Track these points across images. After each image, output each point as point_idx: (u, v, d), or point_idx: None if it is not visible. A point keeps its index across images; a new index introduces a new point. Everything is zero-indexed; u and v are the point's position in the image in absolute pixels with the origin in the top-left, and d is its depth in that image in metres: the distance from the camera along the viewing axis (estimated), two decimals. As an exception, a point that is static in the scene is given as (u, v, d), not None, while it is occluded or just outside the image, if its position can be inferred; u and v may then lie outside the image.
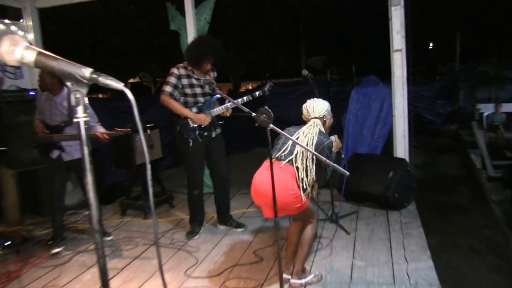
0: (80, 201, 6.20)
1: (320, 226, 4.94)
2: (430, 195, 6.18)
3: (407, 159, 5.73)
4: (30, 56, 1.34)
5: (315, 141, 3.45)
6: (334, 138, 3.76)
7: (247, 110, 3.07)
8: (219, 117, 4.81)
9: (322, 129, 3.60)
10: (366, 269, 3.93)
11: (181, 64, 4.75)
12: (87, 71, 1.32)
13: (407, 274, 3.77)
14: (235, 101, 3.98)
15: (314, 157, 3.40)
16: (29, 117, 5.69)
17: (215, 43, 4.67)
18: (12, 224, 5.78)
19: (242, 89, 18.70)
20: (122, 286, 3.96)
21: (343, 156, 4.35)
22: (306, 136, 3.49)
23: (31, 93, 6.01)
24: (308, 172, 3.41)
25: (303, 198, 3.42)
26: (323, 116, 3.66)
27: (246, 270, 4.07)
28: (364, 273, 3.85)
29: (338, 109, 6.57)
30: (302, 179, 3.40)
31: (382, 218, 5.15)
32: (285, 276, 3.68)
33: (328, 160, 3.03)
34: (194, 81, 4.69)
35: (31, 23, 7.03)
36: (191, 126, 4.68)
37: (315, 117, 3.63)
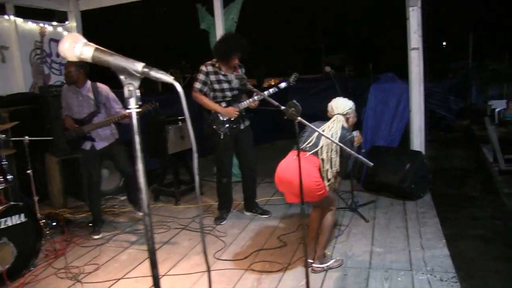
0: (117, 187, 6.28)
1: (340, 215, 4.90)
2: (443, 187, 6.08)
3: (423, 152, 5.65)
4: (88, 51, 1.35)
5: (339, 135, 3.44)
6: (356, 133, 3.73)
7: (276, 103, 3.05)
8: (247, 109, 4.79)
9: (345, 125, 3.59)
10: (384, 255, 3.90)
11: (209, 62, 4.75)
12: (139, 65, 1.33)
13: (424, 261, 3.72)
14: (263, 93, 3.95)
15: (338, 149, 3.38)
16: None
17: (241, 39, 4.66)
18: (57, 207, 5.90)
19: (265, 84, 18.66)
20: (157, 267, 3.99)
21: (363, 150, 4.30)
22: (331, 130, 3.49)
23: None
24: (332, 163, 3.40)
25: (326, 188, 3.41)
26: (346, 113, 3.66)
27: (270, 254, 4.06)
28: (382, 259, 3.82)
29: (355, 104, 6.50)
30: (327, 170, 3.38)
31: (399, 207, 5.08)
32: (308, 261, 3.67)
33: (352, 152, 3.01)
34: (222, 77, 4.68)
35: (74, 24, 7.15)
36: (221, 119, 4.69)
37: (338, 113, 3.61)
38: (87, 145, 4.77)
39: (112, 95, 4.76)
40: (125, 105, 1.32)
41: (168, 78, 1.31)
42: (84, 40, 1.36)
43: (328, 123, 3.58)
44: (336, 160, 3.42)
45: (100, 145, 4.79)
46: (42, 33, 6.83)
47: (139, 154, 1.31)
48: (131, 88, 1.30)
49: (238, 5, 6.21)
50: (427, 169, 5.44)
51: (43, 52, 6.83)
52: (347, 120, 3.67)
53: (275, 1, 14.54)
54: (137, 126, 1.32)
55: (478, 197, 5.73)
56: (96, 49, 1.35)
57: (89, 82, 4.71)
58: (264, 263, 3.90)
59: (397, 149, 5.93)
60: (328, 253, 3.88)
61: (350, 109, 3.69)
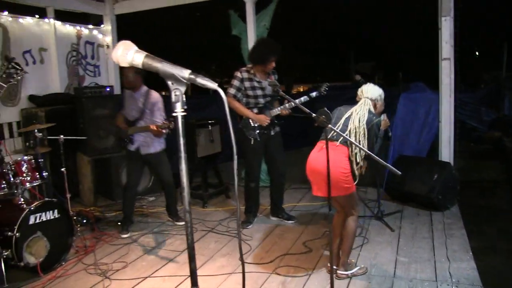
0: (145, 188, 6.43)
1: (366, 223, 4.92)
2: (472, 199, 6.00)
3: (452, 162, 5.61)
4: (139, 58, 1.44)
5: (366, 118, 3.51)
6: (383, 116, 3.76)
7: (307, 110, 3.12)
8: (278, 116, 4.86)
9: (372, 109, 3.64)
10: (409, 265, 3.90)
11: (244, 68, 4.84)
12: (186, 72, 1.41)
13: (449, 272, 3.71)
14: (294, 101, 4.02)
15: (366, 132, 3.45)
16: (104, 111, 5.97)
17: (276, 43, 4.75)
18: (87, 205, 6.09)
19: (294, 91, 18.71)
20: (183, 266, 4.10)
21: (390, 133, 4.26)
22: (358, 113, 3.55)
23: (107, 89, 6.26)
24: (364, 136, 3.48)
25: (353, 183, 3.48)
26: (375, 99, 3.70)
27: (295, 259, 4.11)
28: (407, 269, 3.82)
29: (385, 112, 6.48)
30: (356, 154, 3.46)
31: (426, 218, 5.06)
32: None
33: (381, 160, 3.04)
34: (256, 84, 4.76)
35: (109, 27, 7.38)
36: (252, 125, 4.77)
37: (367, 97, 3.67)
38: (132, 147, 4.93)
39: (160, 105, 4.86)
40: (172, 109, 1.41)
41: (212, 84, 1.39)
42: (136, 48, 1.46)
43: (356, 107, 3.64)
44: (364, 142, 3.48)
45: (145, 150, 4.94)
46: (79, 36, 7.08)
47: (183, 154, 1.40)
48: (178, 93, 1.39)
49: (270, 12, 6.32)
50: (455, 180, 5.39)
51: (78, 54, 7.07)
52: (374, 106, 3.71)
53: (306, 9, 14.60)
54: (182, 129, 1.40)
55: (508, 210, 5.64)
56: (147, 55, 1.44)
57: (144, 88, 4.88)
58: (289, 267, 3.96)
59: (425, 159, 5.90)
60: (353, 260, 3.91)
61: (379, 95, 3.73)
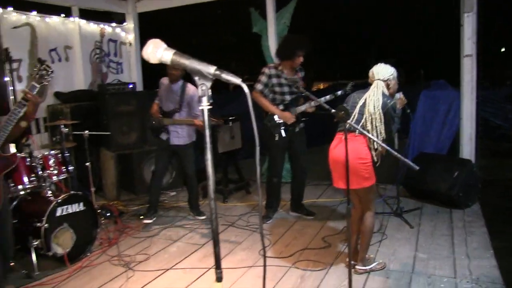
0: (167, 183, 6.56)
1: (385, 219, 4.96)
2: (494, 198, 5.96)
3: (473, 160, 5.59)
4: (168, 55, 1.54)
5: (380, 102, 3.50)
6: (398, 95, 3.75)
7: (327, 107, 3.19)
8: (303, 113, 4.92)
9: (386, 91, 3.61)
10: (428, 261, 3.93)
11: (272, 65, 4.92)
12: (212, 68, 1.50)
13: (469, 269, 3.72)
14: (319, 99, 4.07)
15: (382, 117, 3.47)
16: (128, 107, 6.12)
17: (304, 37, 4.78)
18: (110, 199, 6.25)
19: (314, 88, 18.71)
20: (203, 260, 4.21)
21: (408, 110, 4.21)
22: (372, 99, 3.53)
23: (130, 86, 6.41)
24: (378, 132, 3.49)
25: (373, 173, 3.52)
26: (387, 79, 3.65)
27: (314, 254, 4.18)
28: (426, 265, 3.85)
29: (406, 110, 6.49)
30: (374, 141, 3.45)
31: (446, 215, 5.07)
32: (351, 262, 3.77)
33: (400, 155, 3.07)
34: (283, 81, 4.81)
35: (132, 25, 7.55)
36: (277, 121, 4.83)
37: (379, 79, 3.63)
38: (164, 136, 5.08)
39: (196, 99, 4.99)
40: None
41: (236, 80, 1.48)
42: (165, 45, 1.55)
43: (369, 92, 3.61)
44: (381, 127, 3.49)
45: (174, 141, 5.08)
46: (102, 34, 7.24)
47: (208, 145, 1.49)
48: (204, 88, 1.49)
49: (290, 9, 6.39)
50: (476, 178, 5.38)
51: (102, 51, 7.24)
52: (387, 86, 3.65)
53: (325, 6, 14.60)
54: (208, 122, 1.49)
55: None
56: (175, 53, 1.53)
57: (181, 81, 5.03)
58: (308, 261, 4.03)
59: (445, 156, 5.89)
60: (372, 255, 3.96)
61: (391, 75, 3.66)
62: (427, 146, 6.11)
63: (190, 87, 5.03)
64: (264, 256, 1.83)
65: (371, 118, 3.50)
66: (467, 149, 5.68)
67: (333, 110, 3.03)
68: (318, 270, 3.85)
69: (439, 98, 6.15)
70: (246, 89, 1.48)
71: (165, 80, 5.10)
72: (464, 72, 5.62)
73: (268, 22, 6.45)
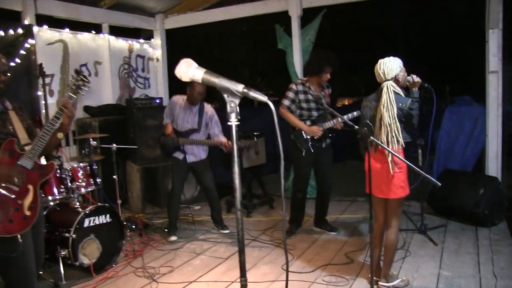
0: (192, 197, 6.65)
1: (408, 236, 4.92)
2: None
3: (499, 178, 5.52)
4: (199, 74, 1.63)
5: (395, 111, 3.42)
6: (411, 78, 3.65)
7: (351, 123, 3.23)
8: (330, 129, 4.95)
9: (397, 89, 3.52)
10: (452, 279, 3.88)
11: (300, 81, 4.99)
12: (240, 87, 1.59)
13: (496, 289, 3.66)
14: (344, 116, 4.10)
15: (398, 126, 3.42)
16: (154, 121, 6.24)
17: (332, 54, 4.82)
18: (135, 211, 6.36)
19: (339, 104, 18.72)
20: (226, 273, 4.24)
21: (426, 84, 4.12)
22: (386, 109, 3.45)
23: (157, 101, 6.55)
24: (398, 132, 3.43)
25: (407, 184, 3.53)
26: (395, 75, 3.56)
27: (337, 270, 4.17)
28: (450, 283, 3.81)
29: (430, 127, 6.46)
30: (397, 139, 3.43)
31: (471, 233, 5.00)
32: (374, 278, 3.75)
33: (419, 170, 3.08)
34: (310, 97, 4.87)
35: (159, 42, 7.74)
36: (305, 137, 4.87)
37: (387, 80, 3.54)
38: (180, 155, 5.15)
39: (216, 117, 5.19)
40: (227, 118, 1.57)
41: (263, 97, 1.55)
42: (196, 64, 1.64)
43: (382, 101, 3.49)
44: (399, 125, 3.43)
45: (191, 158, 5.17)
46: (130, 50, 7.45)
47: (236, 159, 1.56)
48: (233, 105, 1.57)
49: (315, 26, 6.47)
50: (502, 196, 5.30)
51: (130, 67, 7.43)
52: (397, 82, 3.56)
53: (351, 20, 14.66)
54: (236, 136, 1.56)
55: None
56: (206, 72, 1.62)
57: (199, 104, 5.15)
58: (331, 277, 4.02)
59: (471, 173, 5.82)
60: (395, 272, 3.93)
61: (398, 67, 3.56)
62: (452, 162, 6.05)
63: (208, 107, 5.17)
64: (287, 271, 1.87)
65: (387, 130, 3.44)
66: (493, 166, 5.61)
67: (356, 127, 3.07)
68: (341, 285, 3.85)
69: (464, 114, 6.10)
70: (272, 106, 1.55)
71: (180, 100, 5.16)
72: (489, 88, 5.58)
73: (293, 38, 6.54)
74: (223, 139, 5.04)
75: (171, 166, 5.42)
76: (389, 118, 3.43)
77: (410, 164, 3.13)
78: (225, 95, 1.59)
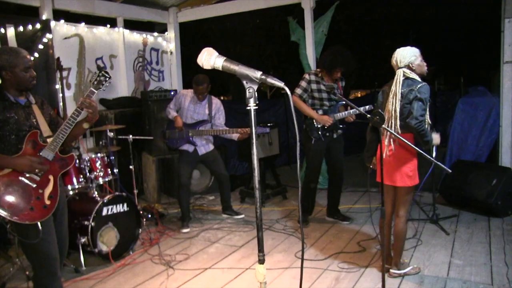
0: (206, 187, 6.78)
1: (420, 226, 4.98)
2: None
3: (513, 168, 5.55)
4: (219, 62, 1.73)
5: (398, 97, 3.50)
6: (417, 61, 3.60)
7: (363, 111, 3.31)
8: (341, 121, 5.03)
9: (410, 75, 3.54)
10: (463, 268, 3.94)
11: (313, 71, 5.09)
12: (258, 73, 1.69)
13: (507, 277, 3.71)
14: (360, 108, 4.16)
15: (398, 115, 3.50)
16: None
17: (348, 56, 4.87)
18: (151, 201, 6.52)
19: (351, 96, 18.70)
20: (241, 260, 4.36)
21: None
22: (394, 94, 3.53)
23: (172, 93, 6.68)
24: (398, 115, 3.51)
25: (417, 173, 3.59)
26: (409, 63, 3.58)
27: (349, 258, 4.27)
28: (461, 271, 3.87)
29: (445, 118, 6.50)
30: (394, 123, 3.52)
31: (483, 223, 5.04)
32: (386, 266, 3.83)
33: (430, 157, 3.14)
34: (322, 87, 4.96)
35: (173, 35, 7.86)
36: (315, 126, 4.96)
37: (400, 67, 3.60)
38: (190, 148, 5.30)
39: (222, 108, 5.40)
40: (246, 103, 1.68)
41: (279, 83, 1.66)
42: (216, 53, 1.74)
43: (392, 88, 3.57)
44: (397, 123, 3.50)
45: (202, 150, 5.32)
46: (144, 43, 7.57)
47: (254, 141, 1.68)
48: (251, 90, 1.68)
49: (328, 18, 6.52)
50: (516, 187, 5.33)
51: (144, 60, 7.56)
52: (411, 70, 3.58)
53: (364, 12, 14.63)
54: (255, 121, 1.67)
55: None
56: (226, 60, 1.73)
57: (207, 97, 5.35)
58: (343, 264, 4.12)
59: (484, 164, 5.85)
60: (406, 260, 4.01)
61: (413, 56, 3.58)
62: (465, 153, 6.08)
63: (215, 100, 5.38)
64: (302, 257, 1.96)
65: (389, 115, 3.52)
66: (507, 157, 5.63)
67: (368, 116, 3.14)
68: (353, 272, 3.94)
69: (477, 105, 6.12)
70: (288, 91, 1.65)
71: (188, 93, 5.36)
72: (504, 79, 5.59)
73: (306, 31, 6.60)
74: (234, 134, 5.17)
75: (178, 158, 5.55)
76: (392, 104, 3.50)
77: (421, 151, 3.19)
78: (244, 82, 1.69)
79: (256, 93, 1.66)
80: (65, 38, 6.21)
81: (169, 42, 7.94)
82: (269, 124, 6.17)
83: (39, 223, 2.84)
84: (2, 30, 5.29)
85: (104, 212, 4.36)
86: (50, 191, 2.95)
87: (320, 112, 4.96)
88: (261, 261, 1.84)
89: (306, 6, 6.56)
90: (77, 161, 4.52)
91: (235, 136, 5.19)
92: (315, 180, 5.25)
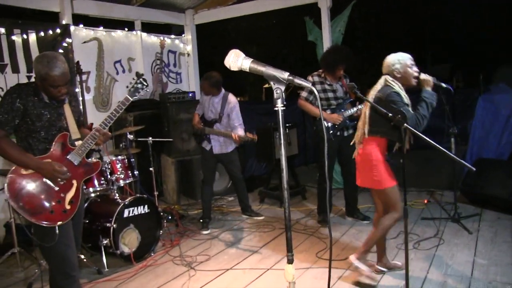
0: (225, 188, 6.80)
1: (441, 225, 4.92)
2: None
3: (536, 166, 5.45)
4: (246, 63, 1.74)
5: (370, 100, 3.52)
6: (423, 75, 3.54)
7: (384, 111, 3.26)
8: (351, 118, 5.02)
9: (391, 83, 3.47)
10: (488, 267, 3.88)
11: (316, 73, 5.11)
12: (285, 74, 1.69)
13: (535, 277, 3.65)
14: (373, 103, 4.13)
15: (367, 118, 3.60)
16: (188, 115, 6.41)
17: (347, 52, 4.92)
18: (171, 203, 6.56)
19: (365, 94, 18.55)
20: (262, 261, 4.37)
21: (443, 85, 3.97)
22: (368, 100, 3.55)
23: (190, 94, 6.71)
24: (367, 120, 3.62)
25: (385, 178, 3.58)
26: (393, 70, 3.51)
27: (370, 257, 4.22)
28: (486, 271, 3.81)
29: (463, 116, 6.41)
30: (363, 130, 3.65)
31: (507, 222, 4.95)
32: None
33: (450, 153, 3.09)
34: (327, 87, 4.99)
35: (190, 37, 7.91)
36: (325, 125, 4.97)
37: (384, 74, 3.58)
38: (207, 146, 5.36)
39: (237, 109, 5.28)
40: (274, 104, 1.68)
41: (307, 84, 1.65)
42: (243, 55, 1.75)
43: (371, 91, 3.61)
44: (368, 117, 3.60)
45: (217, 149, 5.34)
46: (162, 46, 7.62)
47: (283, 142, 1.70)
48: (279, 91, 1.69)
49: (344, 17, 6.50)
50: (540, 185, 5.24)
51: (162, 62, 7.61)
52: (394, 77, 3.50)
53: (379, 10, 14.56)
54: (282, 121, 1.69)
55: None
56: (253, 61, 1.74)
57: (223, 92, 5.32)
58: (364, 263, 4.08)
59: (506, 162, 5.76)
60: (400, 263, 3.97)
61: (398, 64, 3.49)
62: (486, 151, 6.00)
63: (231, 98, 5.29)
64: (330, 257, 1.96)
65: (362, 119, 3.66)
66: (530, 155, 5.54)
67: (390, 114, 3.10)
68: (375, 272, 3.91)
69: (499, 103, 6.03)
70: (316, 92, 1.64)
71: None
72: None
73: (323, 30, 6.58)
74: (240, 132, 5.12)
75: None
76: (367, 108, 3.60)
77: (445, 150, 3.13)
78: (272, 83, 1.69)
79: (284, 94, 1.66)
80: (84, 42, 6.29)
81: (186, 44, 7.99)
82: (287, 125, 6.17)
83: (56, 227, 2.85)
84: (25, 36, 5.39)
85: (126, 214, 4.40)
86: (72, 196, 2.96)
87: (328, 111, 4.98)
88: (290, 261, 1.85)
89: (322, 6, 6.54)
90: (98, 163, 4.57)
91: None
92: (329, 180, 5.23)
